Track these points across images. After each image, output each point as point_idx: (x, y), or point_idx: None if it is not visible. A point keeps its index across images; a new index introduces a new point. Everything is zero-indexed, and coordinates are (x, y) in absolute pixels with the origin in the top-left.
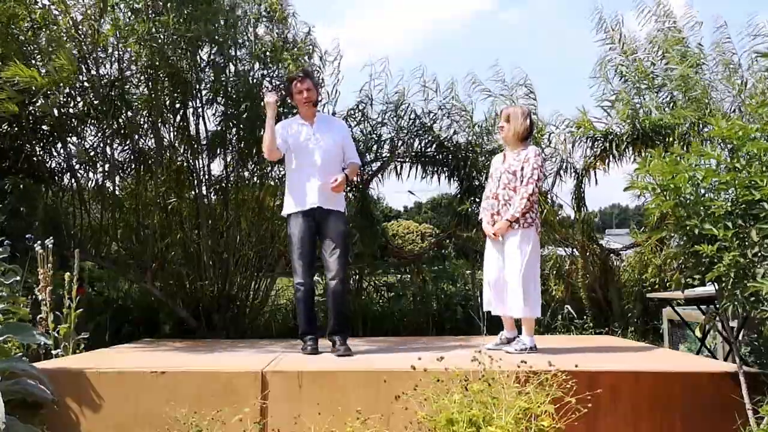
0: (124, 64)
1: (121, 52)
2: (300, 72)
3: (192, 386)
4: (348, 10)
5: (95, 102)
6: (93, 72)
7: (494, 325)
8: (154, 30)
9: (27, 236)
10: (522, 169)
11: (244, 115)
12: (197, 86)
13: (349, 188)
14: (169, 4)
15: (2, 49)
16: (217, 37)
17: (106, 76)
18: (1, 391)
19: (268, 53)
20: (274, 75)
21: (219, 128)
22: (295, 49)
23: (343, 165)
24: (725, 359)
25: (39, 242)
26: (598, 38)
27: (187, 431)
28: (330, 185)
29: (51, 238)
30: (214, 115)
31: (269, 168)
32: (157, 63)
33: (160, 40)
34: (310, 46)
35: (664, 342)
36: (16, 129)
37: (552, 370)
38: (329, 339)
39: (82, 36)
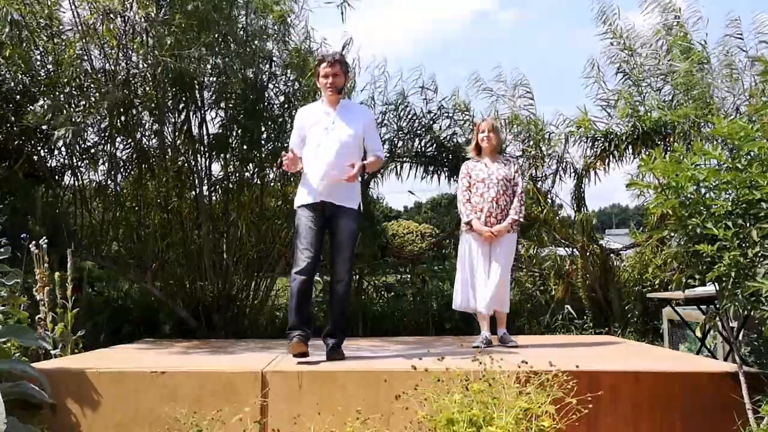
0: (131, 63)
1: (129, 53)
2: (329, 54)
3: (192, 386)
4: (348, 11)
5: (98, 101)
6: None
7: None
8: (167, 37)
9: (21, 235)
10: (514, 177)
11: (244, 116)
12: (201, 88)
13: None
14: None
15: (11, 51)
16: (226, 50)
17: (111, 74)
18: (1, 392)
19: (274, 60)
20: (281, 81)
21: (221, 130)
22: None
23: (365, 158)
24: (725, 359)
25: (35, 242)
26: (598, 31)
27: (187, 431)
28: (344, 177)
29: (45, 238)
30: (217, 116)
31: (269, 169)
32: (166, 66)
33: (169, 45)
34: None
35: (664, 342)
36: (16, 129)
37: (553, 371)
38: (324, 341)
39: (90, 35)
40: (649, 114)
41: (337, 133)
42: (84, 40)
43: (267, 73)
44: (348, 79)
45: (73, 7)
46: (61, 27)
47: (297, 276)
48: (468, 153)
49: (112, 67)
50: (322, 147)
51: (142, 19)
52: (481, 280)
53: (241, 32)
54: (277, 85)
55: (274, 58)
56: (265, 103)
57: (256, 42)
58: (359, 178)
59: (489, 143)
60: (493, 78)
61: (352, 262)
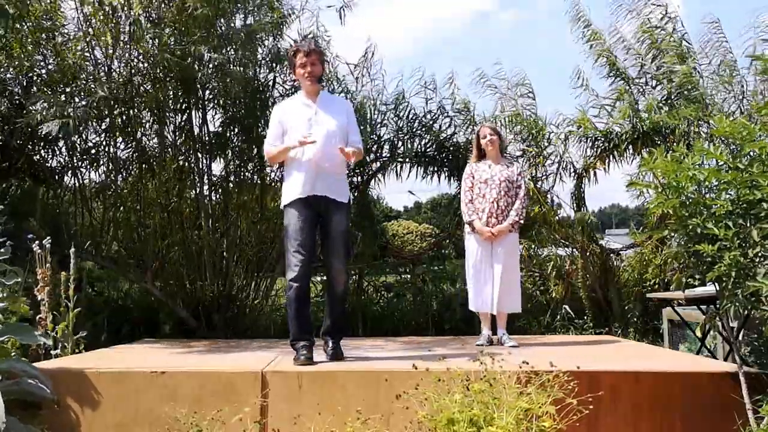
0: (133, 63)
1: (130, 52)
2: (305, 44)
3: (192, 386)
4: (347, 13)
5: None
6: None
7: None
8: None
9: (29, 236)
10: (517, 179)
11: (245, 115)
12: (201, 87)
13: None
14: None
15: (17, 51)
16: (226, 48)
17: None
18: (1, 392)
19: (274, 57)
20: (281, 78)
21: (221, 129)
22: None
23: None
24: (725, 359)
25: (37, 242)
26: (577, 34)
27: (187, 431)
28: (332, 168)
29: (48, 238)
30: (216, 114)
31: (270, 169)
32: (167, 64)
33: (169, 44)
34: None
35: (664, 342)
36: (18, 129)
37: (553, 371)
38: (323, 338)
39: (93, 34)
40: (649, 114)
41: (323, 124)
42: (86, 38)
43: (267, 69)
44: (325, 69)
45: (76, 5)
46: (63, 23)
47: (292, 283)
48: (470, 159)
49: (111, 64)
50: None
51: (142, 16)
52: (485, 281)
53: (241, 30)
54: (277, 82)
55: (275, 56)
56: (266, 102)
57: (256, 40)
58: (346, 171)
59: (493, 146)
60: (494, 77)
61: (348, 257)
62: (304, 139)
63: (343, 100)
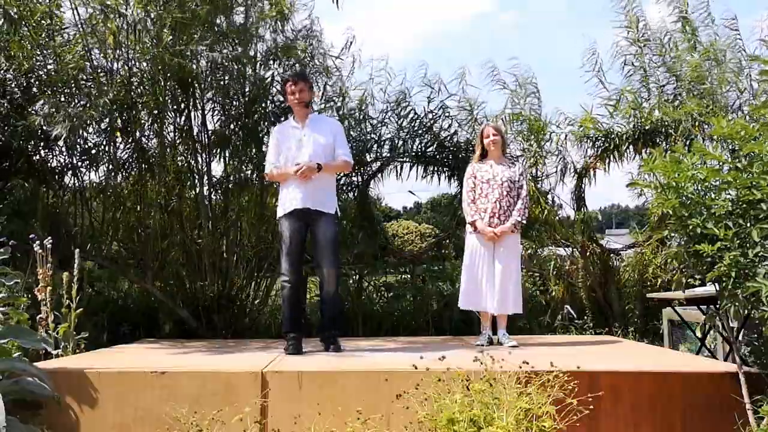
0: (131, 63)
1: (127, 51)
2: (293, 73)
3: (192, 386)
4: (345, 14)
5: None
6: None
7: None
8: (163, 33)
9: (31, 236)
10: (519, 180)
11: (244, 113)
12: (200, 86)
13: (348, 188)
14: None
15: (14, 50)
16: (224, 47)
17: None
18: (2, 391)
19: (273, 54)
20: (278, 75)
21: (220, 128)
22: (298, 51)
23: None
24: (725, 359)
25: (38, 242)
26: (614, 20)
27: (187, 431)
28: (292, 171)
29: (50, 238)
30: (215, 113)
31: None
32: (166, 63)
33: (168, 44)
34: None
35: (664, 342)
36: (19, 129)
37: (553, 371)
38: (321, 338)
39: (90, 33)
40: (653, 112)
41: (310, 144)
42: (84, 39)
43: (264, 67)
44: (314, 93)
45: (73, 6)
46: (62, 25)
47: (285, 284)
48: (473, 159)
49: (111, 65)
50: (297, 158)
51: (141, 16)
52: (487, 281)
53: (241, 28)
54: (276, 80)
55: (273, 55)
56: (266, 101)
57: (255, 36)
58: (334, 184)
59: (496, 146)
60: (495, 77)
61: (337, 263)
62: (298, 166)
63: (331, 121)
